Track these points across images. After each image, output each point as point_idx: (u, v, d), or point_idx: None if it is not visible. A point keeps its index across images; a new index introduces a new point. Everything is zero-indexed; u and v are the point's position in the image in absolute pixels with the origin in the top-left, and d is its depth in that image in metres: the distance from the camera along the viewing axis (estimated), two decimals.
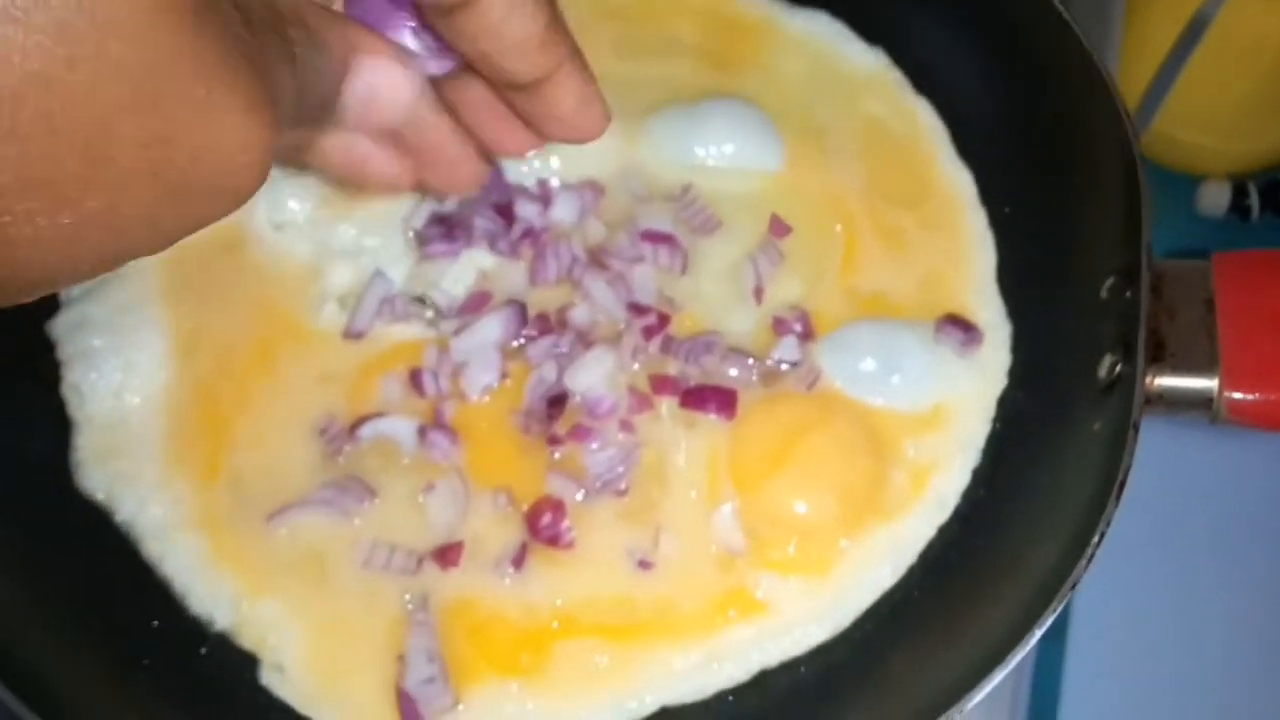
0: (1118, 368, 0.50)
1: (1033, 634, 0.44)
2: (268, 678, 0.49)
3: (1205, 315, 0.51)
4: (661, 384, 0.56)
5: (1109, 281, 0.53)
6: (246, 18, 0.29)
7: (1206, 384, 0.49)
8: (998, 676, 0.43)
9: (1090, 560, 0.44)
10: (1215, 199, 0.85)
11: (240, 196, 0.30)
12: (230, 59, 0.27)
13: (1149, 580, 0.66)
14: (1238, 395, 0.49)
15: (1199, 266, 0.52)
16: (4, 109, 0.23)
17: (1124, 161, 0.51)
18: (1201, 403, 0.49)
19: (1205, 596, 0.66)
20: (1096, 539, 0.44)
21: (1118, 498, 0.45)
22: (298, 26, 0.33)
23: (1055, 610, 0.44)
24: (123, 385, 0.53)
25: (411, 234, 0.58)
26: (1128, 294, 0.51)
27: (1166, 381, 0.50)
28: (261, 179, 0.29)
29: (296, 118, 0.33)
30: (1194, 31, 0.77)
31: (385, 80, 0.37)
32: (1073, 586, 0.44)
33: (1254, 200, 0.84)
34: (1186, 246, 0.85)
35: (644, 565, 0.52)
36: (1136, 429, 0.47)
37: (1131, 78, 0.82)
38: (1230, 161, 0.85)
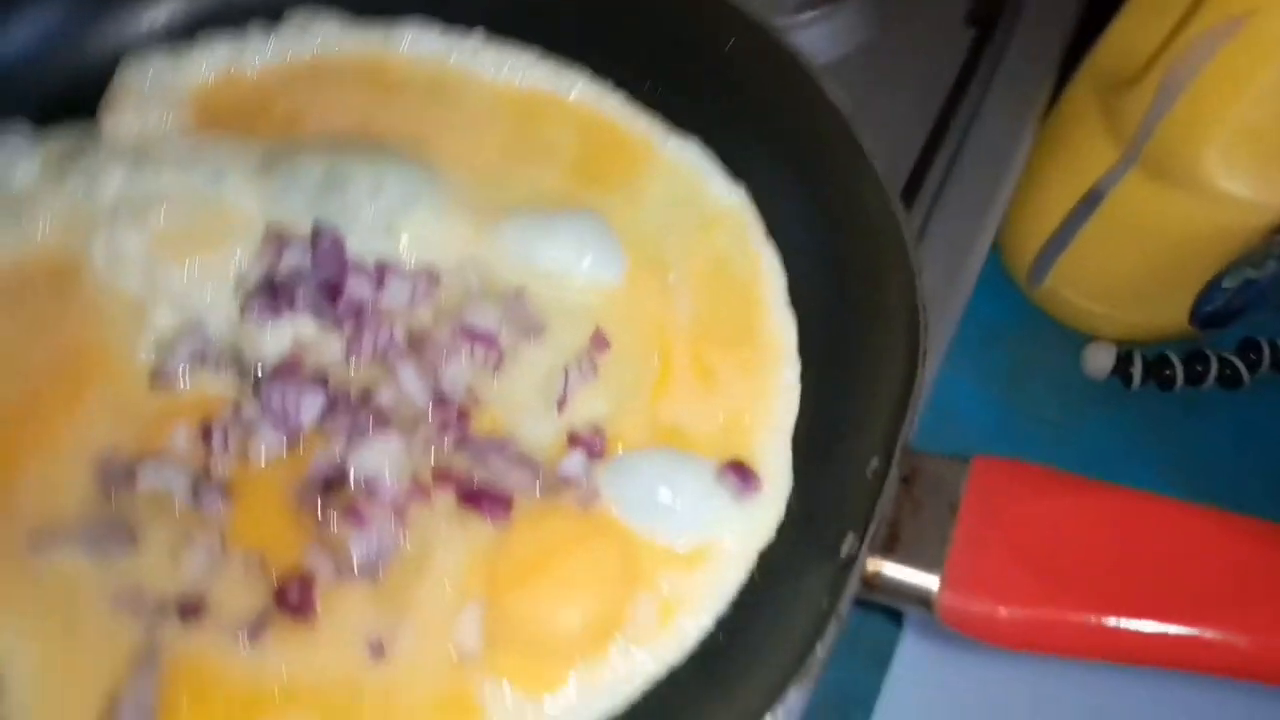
0: (854, 548, 0.52)
1: None
2: None
3: (947, 516, 0.53)
4: (443, 477, 0.58)
5: (873, 463, 0.55)
6: None
7: (927, 581, 0.51)
8: None
9: None
10: (1100, 361, 0.86)
11: None
12: None
13: None
14: (950, 600, 0.51)
15: (958, 467, 0.54)
16: None
17: (908, 363, 0.54)
18: (920, 599, 0.51)
19: None
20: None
21: (794, 684, 0.47)
22: None
23: None
24: None
25: (240, 292, 0.60)
26: (880, 476, 0.53)
27: (891, 571, 0.51)
28: None
29: None
30: (1089, 203, 0.79)
31: None
32: None
33: (1137, 369, 0.85)
34: (1067, 403, 0.87)
35: (376, 652, 0.54)
36: (840, 617, 0.49)
37: (1027, 235, 0.84)
38: (1118, 329, 0.86)
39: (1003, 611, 0.50)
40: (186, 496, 0.55)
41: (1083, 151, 0.78)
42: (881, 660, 0.72)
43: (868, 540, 0.51)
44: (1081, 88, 0.80)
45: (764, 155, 0.67)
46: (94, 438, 0.56)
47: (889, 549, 0.52)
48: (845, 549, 0.53)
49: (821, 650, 0.48)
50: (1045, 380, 0.86)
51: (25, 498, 0.54)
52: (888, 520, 0.52)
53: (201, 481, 0.55)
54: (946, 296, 0.71)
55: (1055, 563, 0.51)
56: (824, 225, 0.64)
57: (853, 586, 0.49)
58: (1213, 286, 0.79)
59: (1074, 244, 0.81)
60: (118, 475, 0.55)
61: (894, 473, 0.52)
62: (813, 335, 0.64)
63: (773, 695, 0.47)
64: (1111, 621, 0.49)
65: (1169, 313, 0.84)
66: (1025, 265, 0.85)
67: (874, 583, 0.51)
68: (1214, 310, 0.82)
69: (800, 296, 0.65)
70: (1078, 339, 0.87)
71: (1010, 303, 0.88)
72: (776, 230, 0.67)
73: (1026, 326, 0.87)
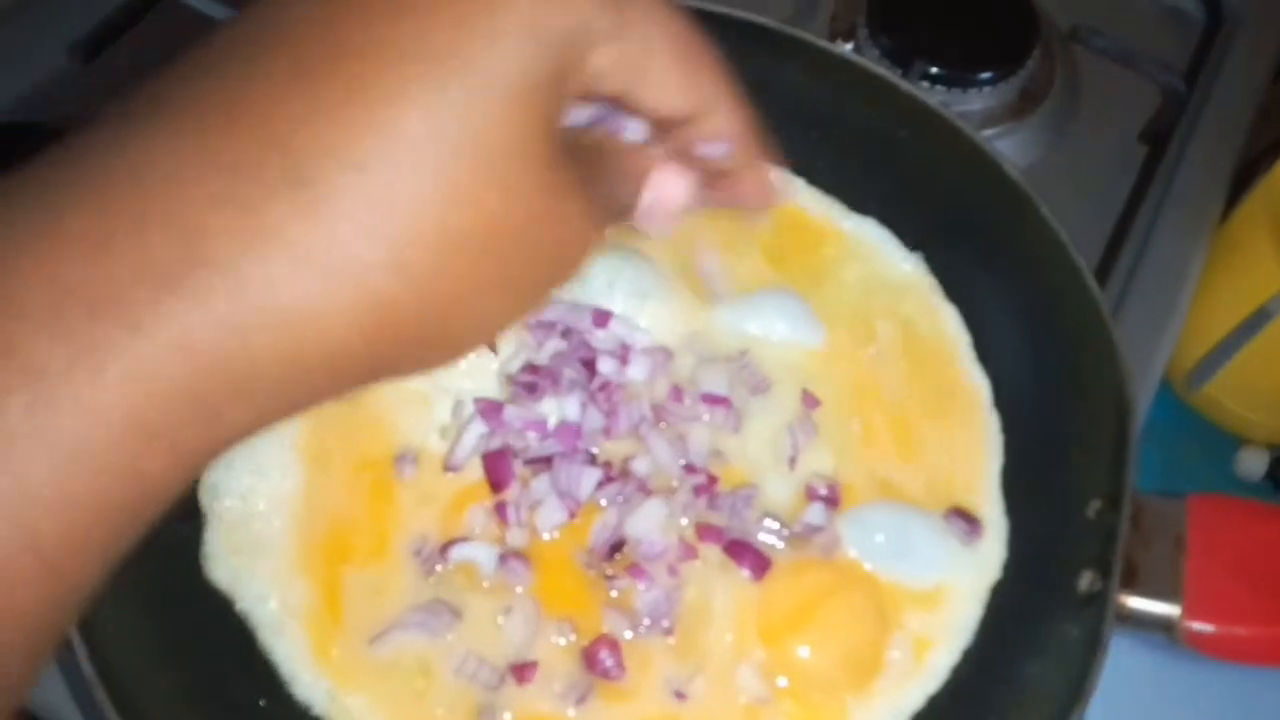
0: (1095, 584, 0.57)
1: None
2: None
3: (1175, 550, 0.58)
4: (707, 531, 0.63)
5: (1096, 504, 0.60)
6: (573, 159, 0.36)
7: (1169, 611, 0.56)
8: None
9: None
10: (1252, 464, 0.86)
11: (569, 279, 0.37)
12: (570, 187, 0.35)
13: None
14: (1195, 625, 0.55)
15: (1176, 505, 0.59)
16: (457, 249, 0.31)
17: (1119, 420, 0.58)
18: (1164, 626, 0.56)
19: None
20: None
21: (1081, 710, 0.51)
22: (611, 156, 0.40)
23: None
24: (251, 489, 0.60)
25: (505, 380, 0.65)
26: (1110, 520, 0.58)
27: (1134, 603, 0.56)
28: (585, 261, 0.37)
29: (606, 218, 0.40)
30: (1256, 321, 0.80)
31: (667, 190, 0.42)
32: None
33: None
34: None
35: (680, 696, 0.58)
36: (1105, 647, 0.53)
37: (1190, 343, 0.84)
38: (1270, 436, 0.86)
39: (1240, 631, 0.55)
40: (493, 568, 0.59)
41: (1253, 272, 0.80)
42: None
43: (1114, 577, 0.55)
44: (1254, 208, 0.82)
45: (940, 229, 0.73)
46: (408, 527, 0.60)
47: (1128, 584, 0.56)
48: (1084, 585, 0.58)
49: (1095, 677, 0.52)
50: (1198, 479, 0.86)
51: (354, 584, 0.58)
52: (1123, 557, 0.57)
53: (507, 554, 0.59)
54: None
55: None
56: (1006, 285, 0.69)
57: (1110, 619, 0.54)
58: None
59: (1236, 356, 0.82)
60: (432, 557, 0.59)
61: (1126, 516, 0.57)
62: (1009, 392, 0.69)
63: None
64: None
65: None
66: (1184, 370, 0.86)
67: (1120, 614, 0.56)
68: None
69: (990, 355, 0.70)
70: (1230, 441, 0.87)
71: (1165, 402, 0.86)
72: (960, 294, 0.72)
73: (1180, 427, 0.87)
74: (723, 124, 0.41)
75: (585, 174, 0.37)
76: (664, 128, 0.41)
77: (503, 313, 0.35)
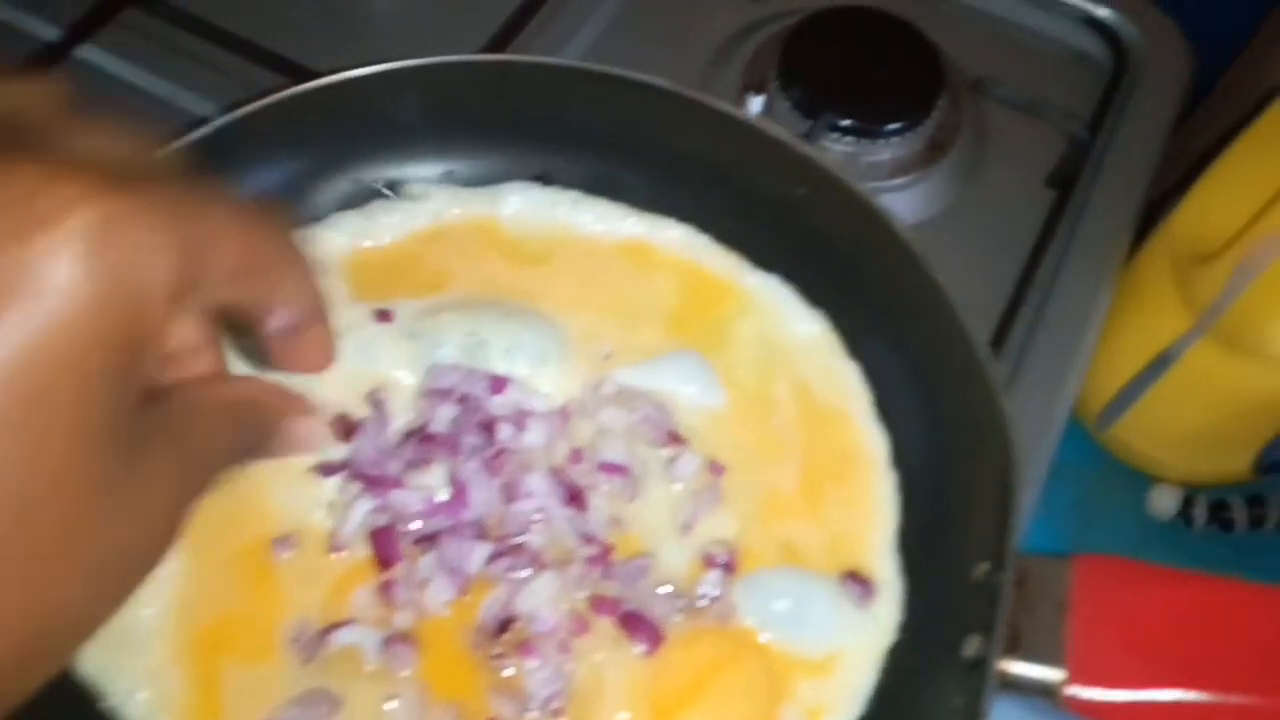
0: (980, 650, 0.56)
1: None
2: None
3: (1058, 613, 0.57)
4: (601, 604, 0.62)
5: (983, 566, 0.59)
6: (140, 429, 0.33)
7: (1052, 676, 0.56)
8: None
9: None
10: (1164, 503, 0.87)
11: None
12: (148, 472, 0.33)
13: None
14: (1078, 691, 0.55)
15: (1060, 566, 0.59)
16: None
17: (1004, 482, 0.58)
18: (1046, 692, 0.56)
19: None
20: None
21: None
22: (251, 408, 0.43)
23: None
24: None
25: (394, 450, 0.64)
26: (995, 582, 0.58)
27: (1017, 669, 0.56)
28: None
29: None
30: (1160, 365, 0.82)
31: (305, 434, 0.51)
32: None
33: (1199, 512, 0.86)
34: (1130, 541, 0.86)
35: None
36: (986, 717, 0.53)
37: (1098, 386, 0.86)
38: (1181, 474, 0.88)
39: (1122, 696, 0.55)
40: (377, 653, 0.58)
41: (1155, 316, 0.81)
42: None
43: (995, 644, 0.55)
44: (1155, 253, 0.83)
45: (841, 286, 0.73)
46: (290, 612, 0.59)
47: (1011, 649, 0.56)
48: (970, 650, 0.57)
49: None
50: (1110, 518, 0.87)
51: (231, 678, 0.57)
52: (1007, 621, 0.56)
53: (392, 637, 0.58)
54: (1033, 448, 0.73)
55: (1163, 648, 0.56)
56: (904, 351, 0.69)
57: (992, 688, 0.54)
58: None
59: (1141, 399, 0.84)
60: (312, 643, 0.58)
61: (1009, 578, 0.56)
62: (905, 448, 0.69)
63: None
64: (1220, 698, 0.54)
65: (1232, 462, 0.85)
66: (1094, 411, 0.87)
67: (1003, 679, 0.56)
68: (1278, 461, 0.83)
69: (888, 410, 0.70)
70: (1143, 479, 0.88)
71: (1078, 442, 0.87)
72: (860, 351, 0.72)
73: (1093, 466, 0.88)
74: (291, 292, 0.41)
75: (175, 438, 0.36)
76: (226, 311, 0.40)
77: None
